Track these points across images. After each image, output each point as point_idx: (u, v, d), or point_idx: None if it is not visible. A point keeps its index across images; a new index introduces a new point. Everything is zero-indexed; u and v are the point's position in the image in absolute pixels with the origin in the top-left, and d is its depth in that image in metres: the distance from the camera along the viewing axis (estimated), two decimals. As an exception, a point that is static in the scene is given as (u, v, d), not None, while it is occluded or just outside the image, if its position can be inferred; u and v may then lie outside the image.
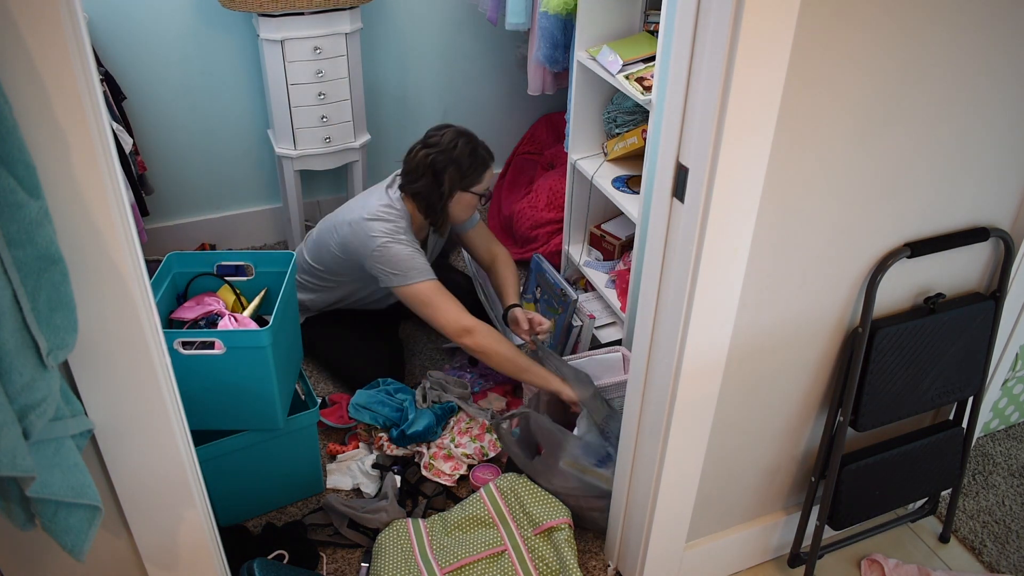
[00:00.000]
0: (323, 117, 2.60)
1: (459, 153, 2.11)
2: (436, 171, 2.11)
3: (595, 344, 2.51)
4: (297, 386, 2.04)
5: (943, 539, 2.01)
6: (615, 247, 2.67)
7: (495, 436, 2.18)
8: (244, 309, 1.90)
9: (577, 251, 2.80)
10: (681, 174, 1.32)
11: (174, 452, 1.23)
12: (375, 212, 2.13)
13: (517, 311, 2.31)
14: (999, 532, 2.02)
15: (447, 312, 2.09)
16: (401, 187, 2.18)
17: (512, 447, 1.99)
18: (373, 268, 2.12)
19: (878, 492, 1.78)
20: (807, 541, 1.88)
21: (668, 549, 1.74)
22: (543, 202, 2.90)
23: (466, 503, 1.93)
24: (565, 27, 2.51)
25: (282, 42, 2.42)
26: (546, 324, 2.27)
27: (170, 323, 1.83)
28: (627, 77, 2.23)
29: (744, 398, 1.60)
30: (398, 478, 2.03)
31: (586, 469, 1.90)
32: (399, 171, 2.22)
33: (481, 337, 2.07)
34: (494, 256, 2.45)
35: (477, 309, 2.37)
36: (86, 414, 1.11)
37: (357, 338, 2.38)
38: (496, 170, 3.35)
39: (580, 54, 2.42)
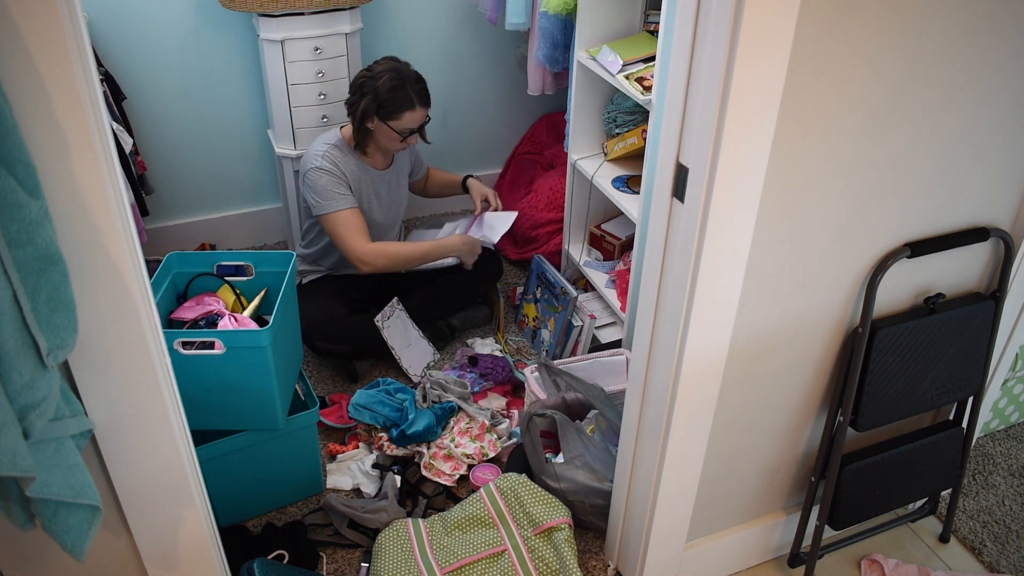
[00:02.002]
0: (323, 117, 2.60)
1: (381, 84, 2.22)
2: (361, 94, 2.25)
3: (595, 344, 2.51)
4: (297, 386, 2.04)
5: (943, 539, 2.01)
6: (615, 247, 2.67)
7: (495, 436, 2.18)
8: (244, 309, 1.90)
9: (577, 251, 2.80)
10: (681, 174, 1.32)
11: (174, 452, 1.23)
12: (324, 138, 2.35)
13: (472, 180, 2.64)
14: (999, 532, 2.02)
15: (349, 240, 2.30)
16: (346, 103, 2.33)
17: (536, 444, 1.99)
18: (307, 199, 2.33)
19: (878, 492, 1.78)
20: (807, 541, 1.88)
21: (668, 549, 1.74)
22: (543, 202, 2.90)
23: (466, 503, 1.93)
24: (565, 27, 2.51)
25: (282, 42, 2.42)
26: (491, 197, 2.56)
27: (170, 323, 1.83)
28: (627, 77, 2.23)
29: (744, 398, 1.60)
30: (398, 478, 2.03)
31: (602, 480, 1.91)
32: None
33: (374, 259, 2.31)
34: (435, 174, 2.74)
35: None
36: (86, 414, 1.11)
37: (329, 293, 2.45)
38: (496, 169, 3.35)
39: (580, 54, 2.42)
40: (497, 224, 2.56)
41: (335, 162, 2.31)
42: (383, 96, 2.22)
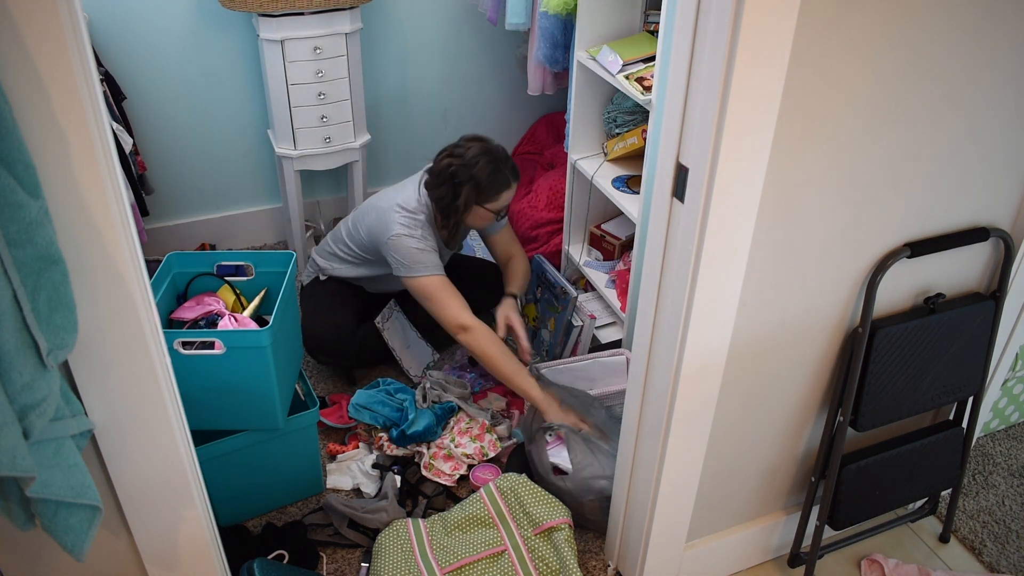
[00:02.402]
0: (323, 117, 2.60)
1: (479, 171, 2.14)
2: (455, 183, 2.15)
3: (596, 344, 2.51)
4: (297, 386, 2.04)
5: (943, 539, 2.01)
6: (615, 247, 2.67)
7: (495, 436, 2.18)
8: (244, 309, 1.90)
9: (577, 251, 2.80)
10: (681, 174, 1.32)
11: (174, 452, 1.23)
12: (401, 204, 2.20)
13: (508, 300, 2.39)
14: (999, 532, 2.02)
15: (448, 308, 2.15)
16: (426, 186, 2.23)
17: (545, 461, 1.98)
18: (387, 255, 2.19)
19: (878, 492, 1.78)
20: (807, 541, 1.88)
21: (668, 549, 1.74)
22: (543, 202, 2.90)
23: (466, 503, 1.93)
24: (565, 27, 2.51)
25: (282, 42, 2.42)
26: (524, 343, 2.32)
27: (170, 323, 1.83)
28: (627, 77, 2.22)
29: (744, 398, 1.60)
30: (398, 478, 2.03)
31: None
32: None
33: (476, 336, 2.13)
34: (510, 255, 2.51)
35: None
36: (86, 414, 1.11)
37: (339, 303, 2.38)
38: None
39: (580, 54, 2.42)
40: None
41: (427, 230, 2.20)
42: (484, 183, 2.14)
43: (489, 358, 2.13)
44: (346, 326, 2.33)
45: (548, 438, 2.03)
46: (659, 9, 2.00)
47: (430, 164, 2.26)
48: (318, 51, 2.47)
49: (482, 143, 2.18)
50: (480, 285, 2.50)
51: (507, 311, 2.37)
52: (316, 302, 2.35)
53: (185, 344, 1.70)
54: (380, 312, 2.45)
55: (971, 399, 1.80)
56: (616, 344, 2.50)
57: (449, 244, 2.35)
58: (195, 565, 1.37)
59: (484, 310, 2.58)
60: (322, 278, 2.42)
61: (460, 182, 2.15)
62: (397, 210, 2.19)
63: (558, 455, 2.00)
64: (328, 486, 2.09)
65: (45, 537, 1.17)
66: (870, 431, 1.72)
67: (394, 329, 2.45)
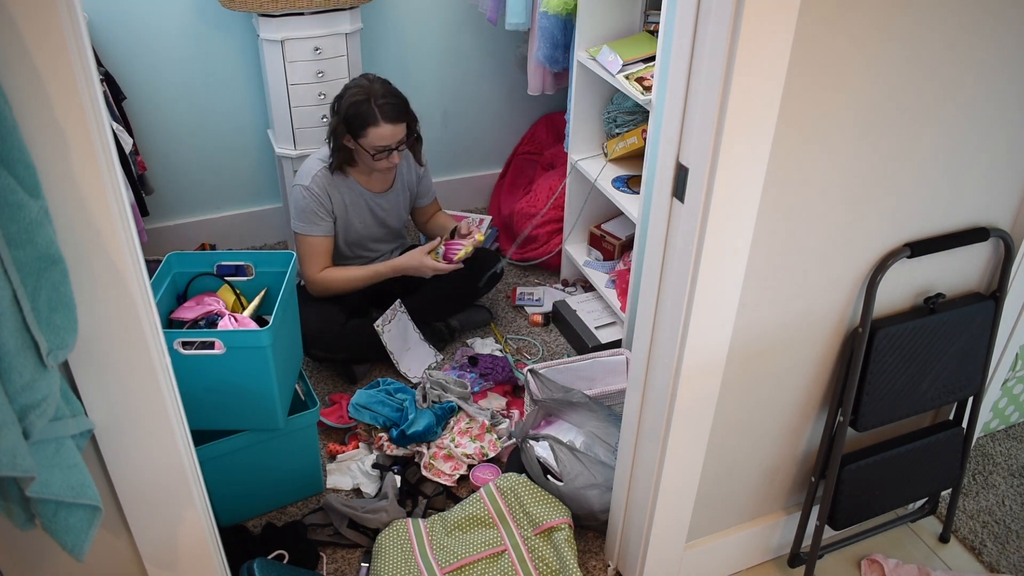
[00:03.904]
0: (323, 117, 2.60)
1: (346, 100, 2.21)
2: (332, 112, 2.26)
3: (596, 344, 2.51)
4: (297, 386, 2.04)
5: (943, 539, 2.01)
6: (615, 247, 2.67)
7: (495, 436, 2.18)
8: (244, 309, 1.90)
9: (577, 251, 2.80)
10: (681, 174, 1.32)
11: (174, 452, 1.23)
12: (311, 160, 2.34)
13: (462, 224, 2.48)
14: (999, 532, 2.02)
15: (306, 264, 2.35)
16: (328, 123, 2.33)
17: (535, 467, 1.99)
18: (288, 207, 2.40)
19: (878, 492, 1.78)
20: (807, 541, 1.88)
21: (668, 549, 1.74)
22: (543, 202, 2.90)
23: (466, 503, 1.93)
24: (565, 27, 2.51)
25: (282, 42, 2.42)
26: (475, 232, 2.44)
27: (170, 323, 1.83)
28: (627, 77, 2.23)
29: (744, 398, 1.60)
30: (398, 478, 2.03)
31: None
32: None
33: (324, 276, 2.34)
34: (432, 218, 2.65)
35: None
36: (86, 414, 1.11)
37: (327, 299, 2.41)
38: (495, 169, 3.35)
39: (580, 54, 2.42)
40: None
41: (323, 185, 2.29)
42: (346, 113, 2.19)
43: (345, 282, 2.35)
44: (334, 318, 2.35)
45: (536, 447, 2.03)
46: (659, 9, 2.00)
47: None
48: (318, 51, 2.47)
49: (364, 77, 2.26)
50: (452, 284, 2.53)
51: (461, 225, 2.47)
52: (306, 298, 2.38)
53: (185, 344, 1.70)
54: (379, 310, 2.45)
55: (971, 399, 1.80)
56: (616, 344, 2.50)
57: (369, 186, 2.39)
58: (195, 565, 1.37)
59: (466, 306, 2.66)
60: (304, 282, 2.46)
61: (335, 112, 2.24)
62: (312, 159, 2.33)
63: (545, 451, 2.00)
64: (328, 486, 2.09)
65: (45, 537, 1.17)
66: (870, 431, 1.72)
67: (395, 331, 2.45)
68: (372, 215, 2.43)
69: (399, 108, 2.22)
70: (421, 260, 2.36)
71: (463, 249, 2.36)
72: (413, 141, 2.34)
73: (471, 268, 2.49)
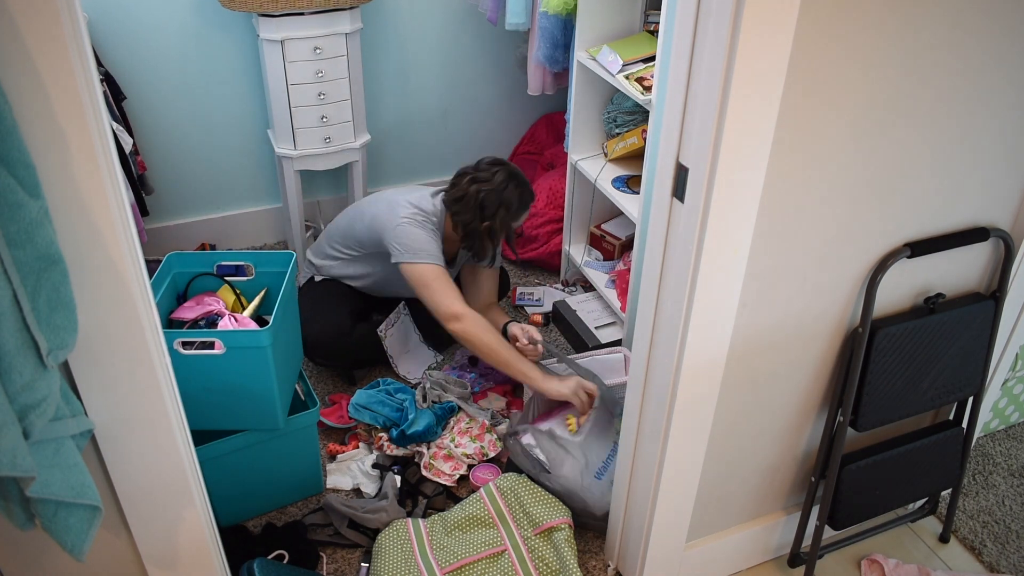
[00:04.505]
0: (323, 117, 2.60)
1: (509, 195, 2.19)
2: (484, 208, 2.18)
3: (596, 344, 2.51)
4: (297, 386, 2.04)
5: (943, 539, 2.01)
6: (615, 247, 2.67)
7: (495, 436, 2.18)
8: (244, 309, 1.90)
9: (577, 251, 2.80)
10: (681, 174, 1.32)
11: (174, 452, 1.23)
12: (415, 201, 2.22)
13: (513, 325, 2.35)
14: (999, 532, 2.02)
15: (443, 296, 2.14)
16: (445, 204, 2.24)
17: (523, 460, 1.99)
18: (389, 241, 2.18)
19: (878, 492, 1.78)
20: (807, 541, 1.88)
21: (668, 549, 1.74)
22: (543, 202, 2.91)
23: (466, 503, 1.93)
24: (565, 27, 2.51)
25: (282, 42, 2.42)
26: (536, 335, 2.31)
27: (170, 323, 1.83)
28: (627, 77, 2.23)
29: (744, 398, 1.60)
30: (398, 478, 2.03)
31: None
32: (443, 188, 2.28)
33: (468, 324, 2.11)
34: (488, 306, 2.47)
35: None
36: (86, 414, 1.11)
37: (334, 303, 2.37)
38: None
39: (580, 54, 2.42)
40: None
41: (433, 231, 2.21)
42: (515, 208, 2.20)
43: (484, 346, 2.12)
44: (343, 326, 2.32)
45: (522, 436, 2.04)
46: (659, 9, 2.00)
47: (441, 188, 2.28)
48: (318, 51, 2.47)
49: (505, 168, 2.22)
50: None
51: (519, 326, 2.35)
52: (312, 303, 2.35)
53: (185, 344, 1.70)
54: (380, 313, 2.45)
55: (971, 399, 1.80)
56: (616, 344, 2.50)
57: (450, 264, 2.35)
58: (195, 565, 1.37)
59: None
60: (317, 279, 2.43)
61: (491, 208, 2.18)
62: (408, 205, 2.21)
63: (535, 446, 2.00)
64: (328, 486, 2.09)
65: (45, 537, 1.17)
66: (870, 431, 1.72)
67: (397, 335, 2.44)
68: None
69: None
70: (556, 384, 2.10)
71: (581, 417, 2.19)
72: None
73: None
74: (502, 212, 2.18)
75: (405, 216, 2.17)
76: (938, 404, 1.73)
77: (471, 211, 2.19)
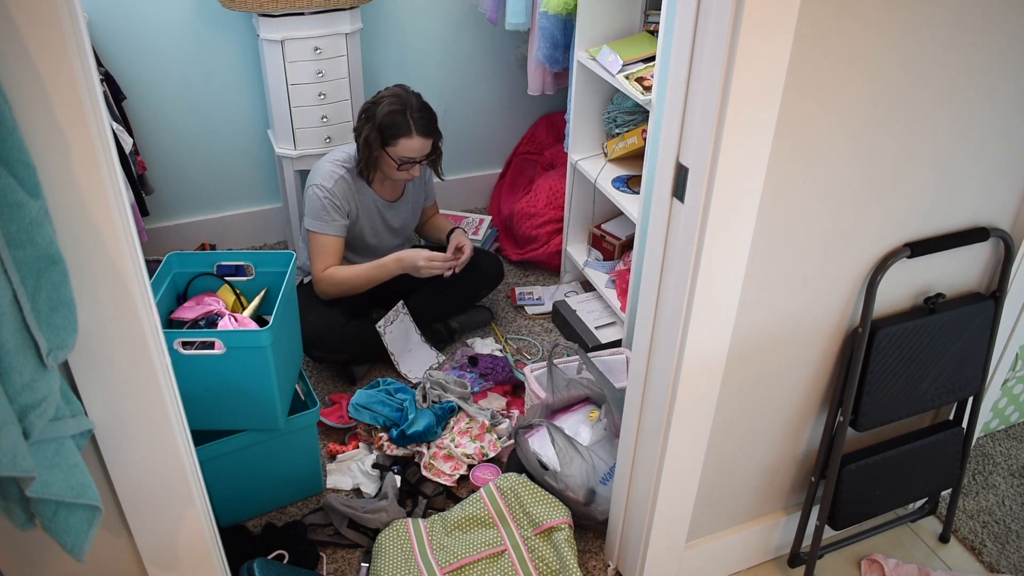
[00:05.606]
0: (323, 117, 2.60)
1: (381, 108, 2.21)
2: (364, 119, 2.25)
3: (596, 344, 2.51)
4: (297, 386, 2.04)
5: (943, 539, 2.01)
6: (615, 247, 2.67)
7: (495, 436, 2.18)
8: (244, 309, 1.90)
9: (577, 251, 2.80)
10: (681, 174, 1.32)
11: (174, 452, 1.23)
12: (335, 157, 2.35)
13: (457, 231, 2.53)
14: (999, 532, 2.02)
15: (315, 260, 2.33)
16: (353, 130, 2.33)
17: (530, 458, 1.99)
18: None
19: (878, 492, 1.78)
20: (807, 541, 1.88)
21: (668, 549, 1.74)
22: (543, 202, 2.90)
23: (466, 503, 1.93)
24: (565, 27, 2.51)
25: (282, 42, 2.42)
26: (466, 245, 2.45)
27: (170, 323, 1.83)
28: (627, 77, 2.23)
29: (744, 398, 1.60)
30: (398, 478, 2.03)
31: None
32: None
33: (329, 275, 2.31)
34: (431, 218, 2.68)
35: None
36: (86, 414, 1.11)
37: (328, 300, 2.40)
38: (495, 169, 3.35)
39: (580, 54, 2.42)
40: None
41: (342, 189, 2.30)
42: (381, 121, 2.21)
43: (345, 280, 2.31)
44: (335, 319, 2.34)
45: (529, 432, 2.04)
46: (659, 9, 2.00)
47: None
48: (318, 51, 2.47)
49: (400, 88, 2.26)
50: (452, 285, 2.51)
51: (456, 238, 2.49)
52: (307, 299, 2.37)
53: (185, 344, 1.70)
54: (380, 312, 2.45)
55: (971, 399, 1.80)
56: (616, 344, 2.50)
57: (382, 194, 2.40)
58: (195, 565, 1.37)
59: (466, 307, 2.67)
60: (305, 281, 2.46)
61: (367, 119, 2.24)
62: (329, 161, 2.33)
63: (542, 448, 2.00)
64: (328, 486, 2.09)
65: (45, 537, 1.17)
66: (870, 431, 1.72)
67: (396, 333, 2.45)
68: (383, 222, 2.44)
69: (431, 122, 2.26)
70: (411, 258, 2.33)
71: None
72: (436, 156, 2.37)
73: (471, 269, 2.49)
74: (371, 125, 2.22)
75: (316, 179, 2.31)
76: (938, 404, 1.73)
77: (358, 124, 2.28)
